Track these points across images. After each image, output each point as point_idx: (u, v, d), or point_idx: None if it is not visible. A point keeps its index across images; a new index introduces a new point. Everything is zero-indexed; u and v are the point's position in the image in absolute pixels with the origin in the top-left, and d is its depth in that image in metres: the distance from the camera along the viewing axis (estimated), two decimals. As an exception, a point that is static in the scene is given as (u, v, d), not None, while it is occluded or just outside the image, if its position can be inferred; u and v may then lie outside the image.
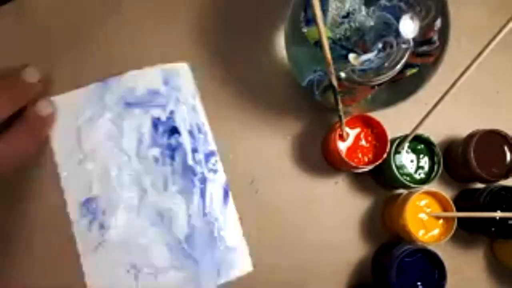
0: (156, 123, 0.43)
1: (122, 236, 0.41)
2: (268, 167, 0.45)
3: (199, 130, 0.44)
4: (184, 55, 0.46)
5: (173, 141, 0.43)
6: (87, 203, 0.42)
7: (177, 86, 0.45)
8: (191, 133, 0.44)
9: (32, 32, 0.44)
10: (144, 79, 0.44)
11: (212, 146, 0.44)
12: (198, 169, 0.43)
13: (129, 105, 0.44)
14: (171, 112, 0.44)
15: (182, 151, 0.43)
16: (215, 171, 0.44)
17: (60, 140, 0.42)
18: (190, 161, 0.43)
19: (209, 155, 0.44)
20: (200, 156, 0.44)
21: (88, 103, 0.43)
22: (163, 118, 0.44)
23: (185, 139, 0.44)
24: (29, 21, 0.44)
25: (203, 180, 0.43)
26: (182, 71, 0.45)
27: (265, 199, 0.45)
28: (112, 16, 0.46)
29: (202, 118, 0.45)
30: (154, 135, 0.43)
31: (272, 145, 0.46)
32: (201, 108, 0.45)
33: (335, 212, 0.46)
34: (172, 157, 0.43)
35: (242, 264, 0.43)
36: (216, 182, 0.44)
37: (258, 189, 0.45)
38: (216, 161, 0.44)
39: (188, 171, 0.43)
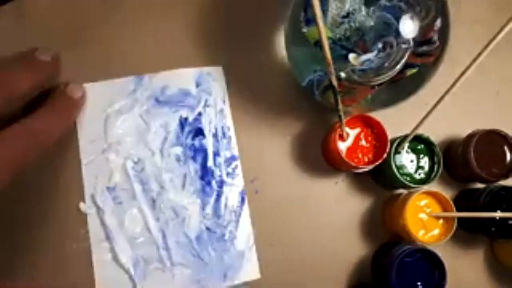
0: (182, 123, 0.44)
1: (135, 228, 0.42)
2: (268, 167, 0.45)
3: (224, 135, 0.45)
4: (183, 55, 0.46)
5: (196, 142, 0.44)
6: (105, 193, 0.42)
7: (209, 89, 0.45)
8: (215, 136, 0.44)
9: (32, 32, 0.44)
10: (177, 79, 0.45)
11: (235, 151, 0.45)
12: (217, 172, 0.44)
13: (159, 102, 0.44)
14: (199, 114, 0.44)
15: (204, 153, 0.44)
16: (233, 176, 0.44)
17: (86, 127, 0.43)
18: (210, 164, 0.44)
19: (230, 160, 0.44)
20: (221, 159, 0.44)
21: (120, 94, 0.44)
22: (190, 119, 0.44)
23: (208, 142, 0.44)
24: (29, 21, 0.45)
25: (221, 184, 0.44)
26: (216, 74, 0.46)
27: (265, 199, 0.45)
28: (113, 16, 0.46)
29: (229, 123, 0.45)
30: (179, 134, 0.44)
31: (272, 145, 0.46)
32: (229, 113, 0.45)
33: (335, 212, 0.46)
34: (194, 158, 0.44)
35: (250, 270, 0.43)
36: (234, 187, 0.44)
37: (258, 189, 0.45)
38: (236, 166, 0.44)
39: (207, 173, 0.44)
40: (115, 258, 0.41)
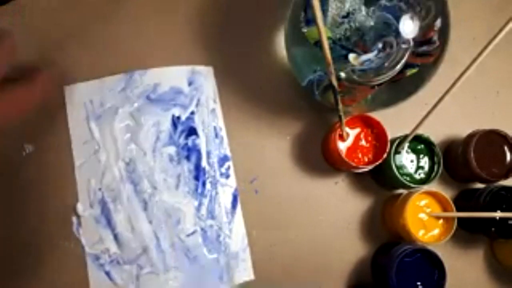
0: (175, 122, 0.43)
1: (128, 231, 0.41)
2: (268, 167, 0.45)
3: (216, 134, 0.44)
4: (184, 55, 0.46)
5: (190, 142, 0.43)
6: (97, 194, 0.42)
7: (201, 88, 0.44)
8: (208, 136, 0.44)
9: (32, 31, 0.44)
10: (169, 76, 0.44)
11: (227, 151, 0.44)
12: (211, 172, 0.43)
13: (151, 100, 0.43)
14: (192, 113, 0.44)
15: (197, 152, 0.43)
16: (227, 176, 0.44)
17: (78, 128, 0.42)
18: (204, 164, 0.43)
19: (223, 160, 0.44)
20: (214, 159, 0.44)
21: (110, 93, 0.43)
22: (183, 118, 0.43)
23: (201, 141, 0.43)
24: (29, 21, 0.45)
25: (215, 184, 0.43)
26: (207, 74, 0.45)
27: (265, 199, 0.45)
28: (113, 15, 0.46)
29: (220, 123, 0.45)
30: (172, 133, 0.43)
31: (272, 145, 0.46)
32: (220, 113, 0.45)
33: (335, 212, 0.46)
34: (187, 158, 0.43)
35: (244, 271, 0.42)
36: (227, 187, 0.44)
37: (258, 189, 0.45)
38: (229, 166, 0.44)
39: (201, 173, 0.43)
40: (108, 261, 0.41)
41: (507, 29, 0.31)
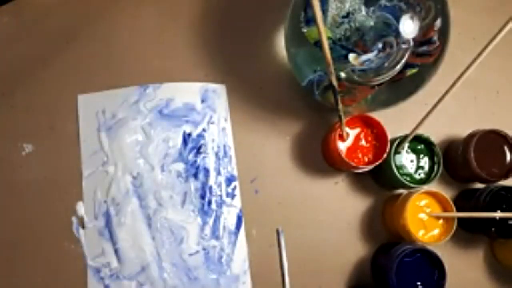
0: (186, 138, 0.43)
1: (129, 246, 0.41)
2: (268, 167, 0.45)
3: (225, 153, 0.43)
4: (184, 56, 0.46)
5: (199, 159, 0.42)
6: (102, 206, 0.41)
7: (213, 106, 0.44)
8: (217, 154, 0.43)
9: (31, 31, 0.44)
10: (182, 92, 0.44)
11: (234, 171, 0.44)
12: (217, 191, 0.43)
13: (163, 115, 0.43)
14: (203, 130, 0.43)
15: (205, 171, 0.43)
16: (233, 196, 0.43)
17: (88, 138, 0.42)
18: (211, 183, 0.42)
19: (230, 180, 0.43)
20: (221, 179, 0.43)
21: (123, 104, 0.43)
22: (194, 135, 0.43)
23: (210, 160, 0.43)
24: (28, 21, 0.45)
25: (220, 204, 0.43)
26: (220, 92, 0.45)
27: (265, 198, 0.45)
28: (112, 15, 0.46)
29: (230, 142, 0.44)
30: (182, 150, 0.42)
31: (272, 145, 0.46)
32: (230, 132, 0.44)
33: (335, 212, 0.46)
34: (195, 176, 0.42)
35: None
36: (232, 208, 0.43)
37: (258, 189, 0.45)
38: (235, 186, 0.43)
39: (207, 192, 0.42)
40: (109, 275, 0.40)
41: (507, 29, 0.31)
